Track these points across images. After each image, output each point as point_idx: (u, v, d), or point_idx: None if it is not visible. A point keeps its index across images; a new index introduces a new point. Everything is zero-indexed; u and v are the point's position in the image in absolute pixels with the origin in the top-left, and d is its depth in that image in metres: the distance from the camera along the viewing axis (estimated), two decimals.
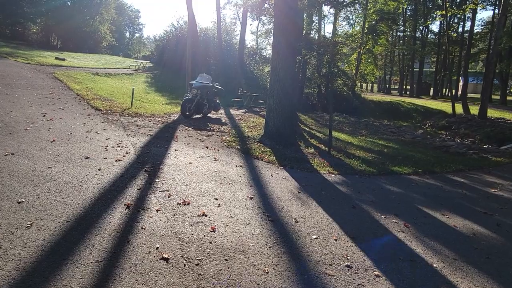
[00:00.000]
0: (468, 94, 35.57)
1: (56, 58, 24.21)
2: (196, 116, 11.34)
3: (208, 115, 11.96)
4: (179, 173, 5.18)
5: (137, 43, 72.81)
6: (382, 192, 5.56)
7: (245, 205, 4.19)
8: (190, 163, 5.79)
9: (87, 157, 5.36)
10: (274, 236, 3.42)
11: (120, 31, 66.79)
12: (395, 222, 4.15)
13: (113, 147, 6.16)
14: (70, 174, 4.55)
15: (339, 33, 39.39)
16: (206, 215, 3.73)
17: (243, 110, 16.16)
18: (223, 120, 11.54)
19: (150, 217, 3.55)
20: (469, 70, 42.22)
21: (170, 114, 11.43)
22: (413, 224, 4.10)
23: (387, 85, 60.87)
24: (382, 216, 4.32)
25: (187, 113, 10.83)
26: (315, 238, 3.46)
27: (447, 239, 3.79)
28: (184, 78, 17.24)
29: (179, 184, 4.70)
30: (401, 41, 54.99)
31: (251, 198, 4.47)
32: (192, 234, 3.27)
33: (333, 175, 6.36)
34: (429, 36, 54.12)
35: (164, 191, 4.36)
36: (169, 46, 29.18)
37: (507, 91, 43.35)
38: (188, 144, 7.15)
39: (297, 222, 3.84)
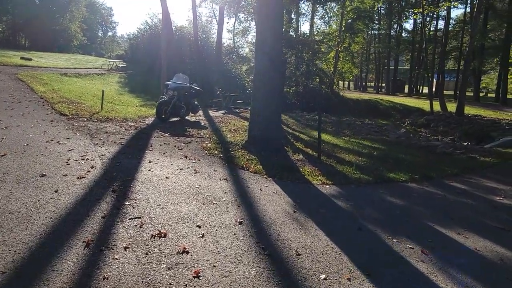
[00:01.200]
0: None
1: (22, 58, 22.68)
2: (173, 119, 10.53)
3: (186, 117, 11.17)
4: (154, 191, 4.42)
5: (110, 42, 70.43)
6: (385, 206, 4.99)
7: (235, 234, 3.49)
8: (167, 177, 5.03)
9: (43, 175, 4.51)
10: (275, 279, 2.74)
11: (92, 30, 64.34)
12: (410, 247, 3.56)
13: (76, 160, 5.32)
14: (18, 200, 3.72)
15: (316, 32, 39.20)
16: (187, 252, 3.01)
17: (223, 112, 15.42)
18: (203, 123, 10.77)
19: (116, 258, 2.80)
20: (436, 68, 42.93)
21: (145, 118, 10.57)
22: (431, 250, 3.53)
23: (364, 83, 61.40)
24: (394, 240, 3.72)
25: (163, 116, 10.01)
26: (324, 279, 2.81)
27: (474, 269, 3.23)
28: (160, 78, 16.31)
29: (154, 207, 3.94)
30: (377, 39, 55.53)
31: (240, 223, 3.77)
32: (171, 284, 2.55)
33: (328, 186, 5.75)
34: (402, 34, 54.89)
35: (135, 218, 3.60)
36: (143, 45, 28.00)
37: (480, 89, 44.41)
38: (164, 153, 6.37)
39: (299, 255, 3.18)
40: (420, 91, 57.76)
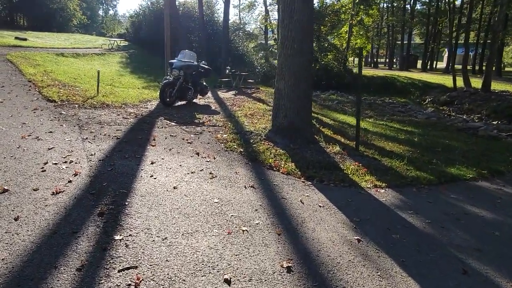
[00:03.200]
0: (455, 65, 34.04)
1: (16, 38, 21.24)
2: (179, 103, 9.18)
3: (194, 100, 9.80)
4: (157, 212, 3.14)
5: (111, 21, 68.25)
6: (474, 224, 3.66)
7: None
8: (174, 187, 3.73)
9: (4, 190, 3.24)
10: None
11: (93, 9, 62.16)
12: None
13: (55, 164, 4.03)
14: None
15: (329, 3, 36.93)
16: None
17: (233, 92, 14.02)
18: (213, 108, 9.40)
19: None
20: (455, 41, 40.57)
21: (147, 102, 9.23)
22: None
23: (375, 59, 59.05)
24: None
25: (168, 99, 8.65)
26: None
27: None
28: (163, 56, 14.85)
29: (158, 242, 2.66)
30: (390, 12, 52.73)
31: (288, 270, 2.49)
32: None
33: (383, 190, 4.43)
34: (416, 7, 52.08)
35: (128, 268, 2.33)
36: (145, 22, 26.29)
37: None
38: (170, 149, 5.05)
39: None
40: (435, 66, 55.26)
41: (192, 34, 23.92)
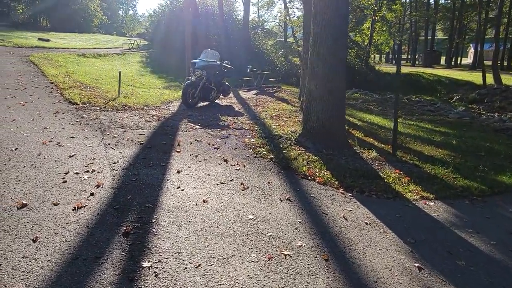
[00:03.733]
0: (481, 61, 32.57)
1: (39, 39, 21.50)
2: (201, 104, 8.89)
3: (216, 101, 9.50)
4: (187, 232, 2.81)
5: (131, 21, 69.04)
6: None
7: None
8: (204, 201, 3.40)
9: (23, 205, 2.98)
10: None
11: (113, 9, 63.01)
12: None
13: (77, 173, 3.77)
14: None
15: None
16: None
17: (254, 92, 13.68)
18: (236, 109, 9.07)
19: None
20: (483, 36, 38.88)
21: (169, 103, 8.99)
22: None
23: (395, 55, 57.56)
24: None
25: (190, 101, 8.37)
26: None
27: None
28: (183, 56, 14.62)
29: (191, 270, 2.33)
30: (413, 6, 51.18)
31: None
32: None
33: (432, 203, 3.98)
34: (440, 1, 50.44)
35: None
36: (165, 21, 26.23)
37: None
38: (196, 156, 4.74)
39: None
40: (459, 62, 53.37)
41: (211, 32, 23.68)
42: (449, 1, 49.14)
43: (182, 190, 3.61)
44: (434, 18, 46.54)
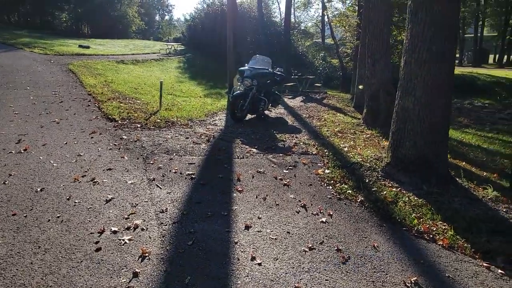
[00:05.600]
0: None
1: (80, 46, 21.49)
2: (249, 116, 7.86)
3: (266, 111, 8.42)
4: None
5: (167, 26, 69.87)
6: None
7: None
8: (296, 287, 2.30)
9: None
10: None
11: (150, 15, 63.95)
12: None
13: (115, 232, 2.79)
14: None
15: None
16: None
17: (300, 99, 12.53)
18: (289, 122, 7.95)
19: None
20: None
21: (213, 115, 8.05)
22: None
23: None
24: None
25: (239, 114, 7.36)
26: None
27: None
28: (221, 60, 13.72)
29: None
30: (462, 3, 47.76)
31: None
32: None
33: None
34: None
35: None
36: (201, 25, 25.67)
37: None
38: (265, 199, 3.64)
39: None
40: (511, 60, 49.27)
41: (250, 35, 22.77)
42: None
43: (260, 264, 2.52)
44: (484, 14, 43.22)
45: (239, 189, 3.80)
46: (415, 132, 4.19)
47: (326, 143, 5.87)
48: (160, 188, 3.67)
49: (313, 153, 5.25)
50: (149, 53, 22.87)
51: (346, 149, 5.49)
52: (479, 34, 46.59)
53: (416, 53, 4.05)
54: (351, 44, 16.28)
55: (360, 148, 5.52)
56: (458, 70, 30.14)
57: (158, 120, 6.72)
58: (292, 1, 43.42)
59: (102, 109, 7.14)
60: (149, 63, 18.46)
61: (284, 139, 6.05)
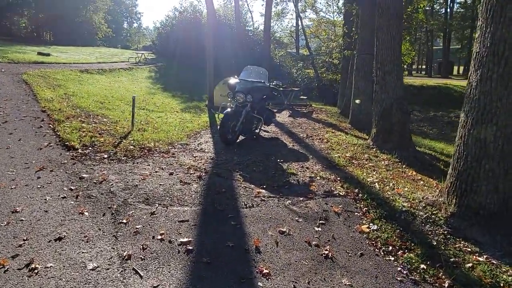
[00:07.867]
0: None
1: (39, 54, 19.37)
2: (241, 137, 6.59)
3: (256, 131, 7.15)
4: None
5: (136, 34, 67.51)
6: None
7: None
8: None
9: None
10: None
11: (117, 22, 61.43)
12: None
13: None
14: None
15: None
16: None
17: (287, 113, 11.45)
18: (289, 145, 6.71)
19: None
20: None
21: (197, 136, 6.77)
22: None
23: (411, 66, 55.55)
24: None
25: (230, 137, 6.05)
26: None
27: None
28: (197, 70, 12.41)
29: None
30: (430, 16, 49.20)
31: None
32: None
33: None
34: (457, 9, 48.63)
35: None
36: (174, 33, 24.23)
37: None
38: None
39: None
40: None
41: (226, 45, 21.54)
42: (463, 9, 47.39)
43: None
44: (450, 27, 44.71)
45: (264, 270, 2.48)
46: (495, 174, 3.06)
47: (348, 176, 4.66)
48: (141, 277, 2.30)
49: (341, 194, 4.01)
50: (117, 62, 21.10)
51: (377, 185, 4.31)
52: (439, 47, 48.06)
53: (501, 67, 2.94)
54: (338, 54, 15.39)
55: (395, 185, 4.35)
56: (431, 82, 30.40)
57: (131, 147, 5.28)
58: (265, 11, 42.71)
59: (57, 132, 5.61)
60: (117, 73, 16.77)
61: (295, 172, 4.78)
